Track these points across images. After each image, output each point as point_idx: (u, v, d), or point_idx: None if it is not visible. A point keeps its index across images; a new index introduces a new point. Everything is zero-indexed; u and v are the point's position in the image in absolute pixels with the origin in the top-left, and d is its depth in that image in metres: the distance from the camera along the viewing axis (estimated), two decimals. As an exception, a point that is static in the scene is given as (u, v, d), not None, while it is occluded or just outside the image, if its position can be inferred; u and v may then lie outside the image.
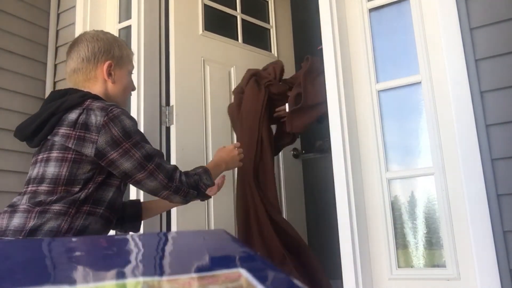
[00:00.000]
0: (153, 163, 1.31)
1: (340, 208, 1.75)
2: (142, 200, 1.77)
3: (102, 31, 1.51)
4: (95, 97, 1.35)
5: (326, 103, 1.90)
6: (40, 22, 2.76)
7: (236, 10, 2.88)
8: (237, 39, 2.84)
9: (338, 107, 1.82)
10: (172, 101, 2.40)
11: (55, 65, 2.76)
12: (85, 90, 1.39)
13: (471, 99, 1.57)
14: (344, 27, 1.94)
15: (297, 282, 0.37)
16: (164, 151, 2.31)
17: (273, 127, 2.39)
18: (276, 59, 3.02)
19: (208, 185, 1.45)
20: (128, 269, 0.42)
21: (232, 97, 2.47)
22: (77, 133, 1.25)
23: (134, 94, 2.20)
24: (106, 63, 1.41)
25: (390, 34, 1.91)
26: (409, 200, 1.76)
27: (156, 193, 1.36)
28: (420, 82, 1.75)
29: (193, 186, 1.39)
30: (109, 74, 1.42)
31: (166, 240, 0.60)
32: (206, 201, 2.28)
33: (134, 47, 2.35)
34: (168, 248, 0.54)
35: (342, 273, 1.71)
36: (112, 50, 1.43)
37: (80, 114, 1.27)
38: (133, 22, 2.46)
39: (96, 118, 1.26)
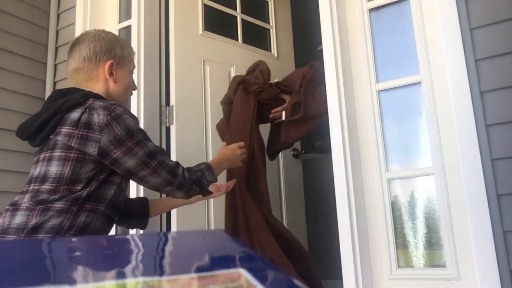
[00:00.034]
0: (156, 160, 1.33)
1: (340, 208, 1.75)
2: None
3: (103, 30, 1.52)
4: (97, 97, 1.36)
5: (324, 114, 1.88)
6: (40, 22, 2.76)
7: (236, 10, 2.88)
8: (237, 39, 2.84)
9: (338, 107, 1.82)
10: (172, 101, 2.40)
11: (55, 65, 2.76)
12: (87, 89, 1.39)
13: (471, 99, 1.57)
14: (344, 27, 1.94)
15: (297, 282, 0.37)
16: (164, 151, 2.31)
17: (265, 129, 2.28)
18: (276, 58, 3.02)
19: (211, 181, 1.48)
20: (128, 269, 0.42)
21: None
22: (80, 132, 1.26)
23: (134, 94, 2.20)
24: (108, 63, 1.42)
25: (390, 34, 1.91)
26: (409, 200, 1.76)
27: (159, 189, 1.39)
28: (420, 82, 1.75)
29: (196, 182, 1.42)
30: (111, 74, 1.43)
31: (166, 240, 0.60)
32: (206, 201, 2.28)
33: (134, 47, 2.35)
34: (168, 248, 0.54)
35: (342, 273, 1.71)
36: (113, 50, 1.44)
37: (82, 113, 1.28)
38: (133, 22, 2.46)
39: (99, 117, 1.27)
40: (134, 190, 2.14)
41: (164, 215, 2.26)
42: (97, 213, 1.28)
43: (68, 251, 0.48)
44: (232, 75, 2.72)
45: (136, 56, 2.05)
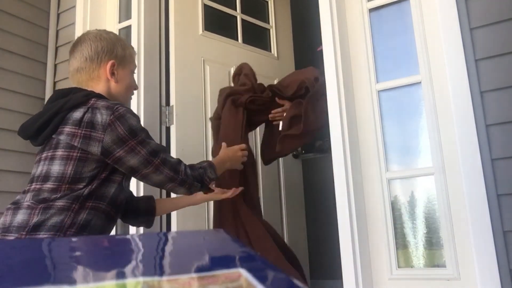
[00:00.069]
0: (158, 158, 1.35)
1: (340, 208, 1.75)
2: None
3: (105, 30, 1.52)
4: (99, 96, 1.37)
5: (323, 126, 1.87)
6: (40, 22, 2.76)
7: (236, 10, 2.88)
8: (237, 39, 2.84)
9: (338, 107, 1.82)
10: (172, 101, 2.40)
11: (55, 65, 2.76)
12: (88, 89, 1.40)
13: (471, 99, 1.57)
14: (344, 27, 1.94)
15: (297, 282, 0.37)
16: (164, 151, 2.31)
17: (256, 134, 2.21)
18: (276, 58, 3.02)
19: (212, 178, 1.51)
20: (128, 269, 0.42)
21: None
22: (83, 132, 1.27)
23: (134, 93, 2.21)
24: (109, 63, 1.42)
25: (390, 34, 1.91)
26: (409, 200, 1.76)
27: (162, 185, 1.41)
28: (420, 82, 1.75)
29: (198, 178, 1.44)
30: (112, 74, 1.44)
31: (166, 240, 0.60)
32: (206, 202, 2.28)
33: (134, 47, 2.34)
34: (168, 248, 0.54)
35: (342, 273, 1.71)
36: (115, 50, 1.45)
37: (85, 113, 1.29)
38: (133, 22, 2.47)
39: (102, 116, 1.28)
40: (134, 188, 2.14)
41: (164, 215, 2.26)
42: (98, 211, 1.29)
43: (68, 251, 0.48)
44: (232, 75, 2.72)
45: (136, 56, 2.06)
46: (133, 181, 1.70)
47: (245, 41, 2.86)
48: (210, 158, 2.37)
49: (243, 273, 0.38)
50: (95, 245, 0.53)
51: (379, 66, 1.87)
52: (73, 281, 0.37)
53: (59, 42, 2.78)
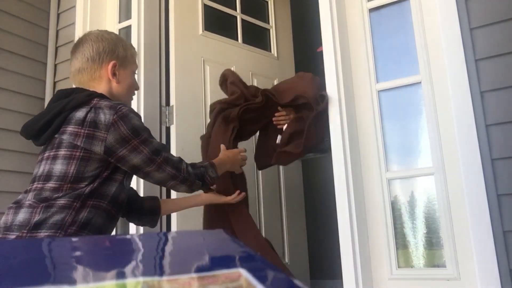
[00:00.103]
0: (161, 157, 1.37)
1: (340, 208, 1.75)
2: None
3: (106, 31, 1.54)
4: (102, 96, 1.38)
5: (322, 143, 1.86)
6: (40, 22, 2.76)
7: (236, 10, 2.88)
8: (237, 39, 2.84)
9: (338, 107, 1.82)
10: (172, 101, 2.40)
11: (55, 65, 2.76)
12: (90, 89, 1.41)
13: (471, 99, 1.57)
14: (344, 27, 1.94)
15: (297, 282, 0.37)
16: (164, 151, 2.31)
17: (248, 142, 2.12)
18: (276, 58, 3.02)
19: (213, 178, 1.53)
20: (128, 269, 0.42)
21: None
22: (86, 131, 1.28)
23: (135, 94, 2.21)
24: (111, 63, 1.43)
25: (390, 34, 1.91)
26: (409, 200, 1.76)
27: (164, 183, 1.43)
28: (420, 82, 1.75)
29: (199, 177, 1.47)
30: (114, 74, 1.45)
31: (166, 240, 0.60)
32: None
33: (134, 47, 2.35)
34: (168, 248, 0.54)
35: (342, 273, 1.71)
36: (116, 50, 1.46)
37: (88, 112, 1.30)
38: (133, 22, 2.47)
39: (105, 116, 1.29)
40: (134, 187, 2.14)
41: (164, 215, 2.26)
42: (99, 210, 1.30)
43: (68, 251, 0.48)
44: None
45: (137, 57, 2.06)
46: (133, 180, 1.70)
47: (245, 41, 2.86)
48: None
49: (243, 273, 0.38)
50: (95, 245, 0.53)
51: (379, 66, 1.87)
52: (73, 281, 0.37)
53: (59, 42, 2.78)
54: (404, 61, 1.86)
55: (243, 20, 2.90)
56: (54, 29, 2.79)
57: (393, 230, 1.73)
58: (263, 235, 1.89)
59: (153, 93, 2.39)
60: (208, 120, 2.51)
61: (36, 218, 1.22)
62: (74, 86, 1.46)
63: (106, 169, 1.32)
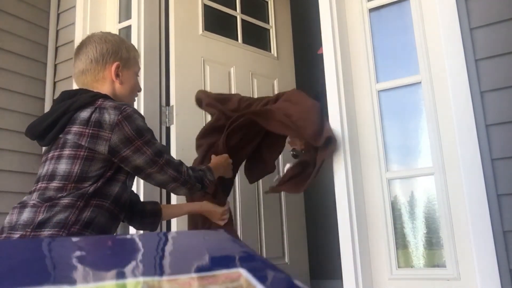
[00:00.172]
0: (163, 159, 1.39)
1: (340, 208, 1.75)
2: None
3: (109, 32, 1.56)
4: (106, 97, 1.39)
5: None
6: (40, 22, 2.76)
7: (236, 10, 2.88)
8: (237, 39, 2.83)
9: (338, 107, 1.82)
10: (172, 101, 2.40)
11: (55, 65, 2.76)
12: (94, 90, 1.42)
13: (471, 99, 1.57)
14: (344, 27, 1.94)
15: (297, 282, 0.37)
16: (164, 151, 2.31)
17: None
18: (276, 58, 3.02)
19: (211, 181, 1.57)
20: (128, 269, 0.42)
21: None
22: (91, 131, 1.30)
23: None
24: (114, 64, 1.45)
25: (390, 34, 1.91)
26: (409, 200, 1.76)
27: (165, 185, 1.44)
28: (420, 82, 1.75)
29: (199, 179, 1.50)
30: (117, 75, 1.46)
31: (166, 240, 0.60)
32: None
33: (134, 47, 2.35)
34: (168, 248, 0.54)
35: (342, 273, 1.71)
36: (119, 52, 1.47)
37: (92, 113, 1.31)
38: (133, 22, 2.47)
39: (109, 116, 1.30)
40: (135, 190, 2.14)
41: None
42: (102, 209, 1.31)
43: (68, 251, 0.48)
44: (232, 75, 2.71)
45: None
46: (134, 184, 1.71)
47: (245, 41, 2.86)
48: (210, 158, 2.37)
49: (243, 273, 0.38)
50: (96, 245, 0.53)
51: (379, 66, 1.87)
52: (73, 281, 0.37)
53: (59, 42, 2.78)
54: (404, 61, 1.86)
55: (243, 20, 2.90)
56: (54, 29, 2.79)
57: (393, 230, 1.73)
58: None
59: (153, 93, 2.39)
60: (208, 120, 2.52)
61: (40, 217, 1.23)
62: (77, 87, 1.47)
63: (110, 169, 1.33)
